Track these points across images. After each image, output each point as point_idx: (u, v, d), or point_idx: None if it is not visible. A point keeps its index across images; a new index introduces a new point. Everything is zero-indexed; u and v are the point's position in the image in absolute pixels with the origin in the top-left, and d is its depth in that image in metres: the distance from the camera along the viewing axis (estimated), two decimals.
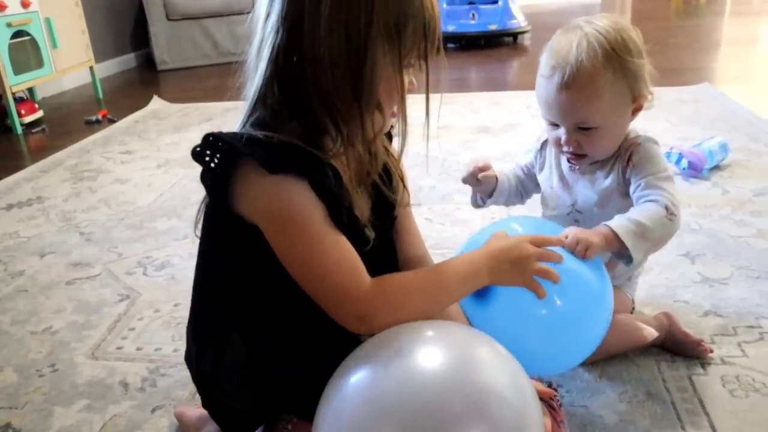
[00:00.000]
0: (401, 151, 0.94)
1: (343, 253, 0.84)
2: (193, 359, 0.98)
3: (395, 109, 0.87)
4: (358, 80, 0.81)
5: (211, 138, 0.82)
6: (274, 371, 0.93)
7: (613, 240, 1.05)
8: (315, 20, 0.78)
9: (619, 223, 1.07)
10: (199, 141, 0.84)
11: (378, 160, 0.92)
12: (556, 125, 1.18)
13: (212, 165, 0.83)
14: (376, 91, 0.82)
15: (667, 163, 1.19)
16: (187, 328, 1.00)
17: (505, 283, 0.92)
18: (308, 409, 0.89)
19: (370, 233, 0.91)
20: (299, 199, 0.81)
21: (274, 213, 0.83)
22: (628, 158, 1.18)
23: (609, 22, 1.13)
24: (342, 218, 0.84)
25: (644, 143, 1.18)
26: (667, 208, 1.10)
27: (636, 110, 1.18)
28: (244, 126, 0.86)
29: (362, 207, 0.93)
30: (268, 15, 0.83)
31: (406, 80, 0.85)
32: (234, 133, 0.83)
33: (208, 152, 0.83)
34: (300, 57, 0.80)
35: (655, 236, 1.09)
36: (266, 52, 0.82)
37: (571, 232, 1.03)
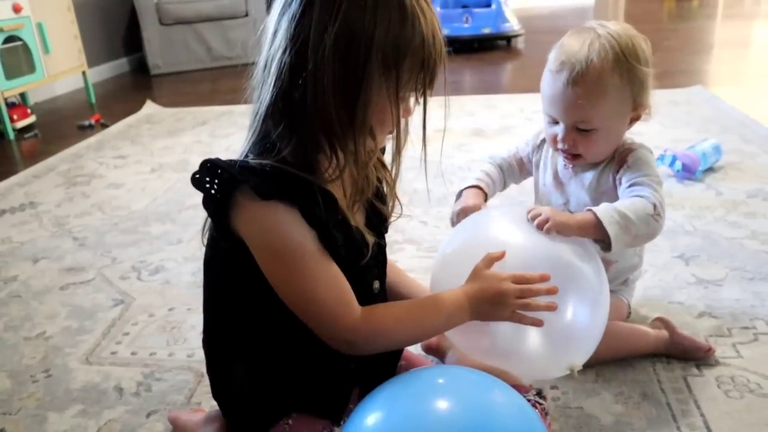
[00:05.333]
0: (395, 175, 0.96)
1: (333, 285, 0.87)
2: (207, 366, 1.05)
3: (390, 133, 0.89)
4: (353, 108, 0.82)
5: (209, 165, 0.84)
6: (273, 385, 0.97)
7: (593, 227, 1.06)
8: (319, 46, 0.79)
9: (605, 211, 1.07)
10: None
11: (371, 183, 0.95)
12: (555, 122, 1.19)
13: (212, 191, 0.85)
14: (369, 119, 0.84)
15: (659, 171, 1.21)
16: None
17: (489, 320, 0.95)
18: (308, 405, 0.95)
19: (371, 238, 0.93)
20: (290, 228, 0.84)
21: (266, 240, 0.85)
22: (622, 160, 1.18)
23: (621, 28, 1.15)
24: (335, 242, 0.86)
25: (640, 149, 1.20)
26: (655, 206, 1.10)
27: (633, 119, 1.18)
28: (249, 142, 0.88)
29: (358, 221, 0.95)
30: (275, 31, 0.84)
31: (402, 109, 0.87)
32: (229, 160, 0.85)
33: (207, 179, 0.85)
34: (305, 78, 0.81)
35: (638, 232, 1.09)
36: (274, 69, 0.83)
37: (544, 209, 1.04)
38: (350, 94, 0.81)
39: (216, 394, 1.04)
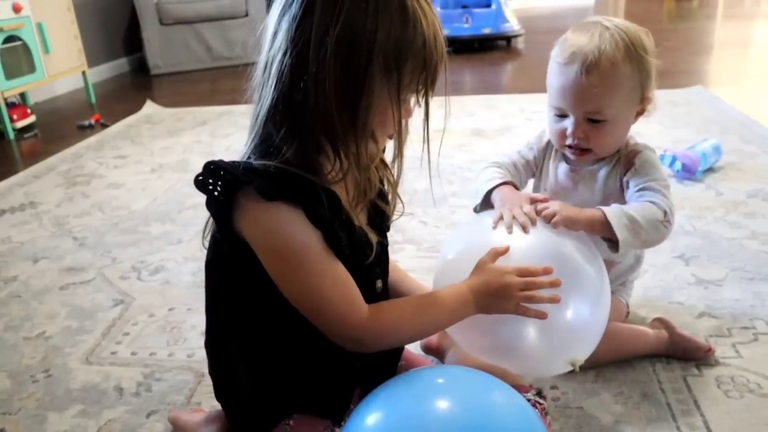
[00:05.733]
0: (398, 176, 0.96)
1: (339, 283, 0.87)
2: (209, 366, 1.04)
3: (392, 136, 0.90)
4: (355, 110, 0.82)
5: (212, 167, 0.84)
6: (277, 386, 0.97)
7: (601, 225, 1.06)
8: (320, 48, 0.79)
9: (614, 213, 1.07)
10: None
11: (373, 185, 0.95)
12: (562, 116, 1.18)
13: (215, 193, 0.85)
14: (371, 121, 0.84)
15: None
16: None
17: (494, 313, 0.96)
18: (311, 405, 0.95)
19: (374, 237, 0.93)
20: (293, 228, 0.84)
21: (270, 241, 0.85)
22: (630, 163, 1.18)
23: (626, 22, 1.15)
24: (339, 242, 0.86)
25: (645, 150, 1.20)
26: (665, 213, 1.11)
27: (639, 113, 1.18)
28: (251, 145, 0.88)
29: (361, 220, 0.95)
30: (275, 32, 0.84)
31: (403, 110, 0.86)
32: (232, 162, 0.85)
33: (210, 181, 0.85)
34: (306, 81, 0.81)
35: (646, 237, 1.10)
36: (274, 71, 0.83)
37: (553, 203, 1.04)
38: (352, 96, 0.81)
39: (219, 395, 1.04)
